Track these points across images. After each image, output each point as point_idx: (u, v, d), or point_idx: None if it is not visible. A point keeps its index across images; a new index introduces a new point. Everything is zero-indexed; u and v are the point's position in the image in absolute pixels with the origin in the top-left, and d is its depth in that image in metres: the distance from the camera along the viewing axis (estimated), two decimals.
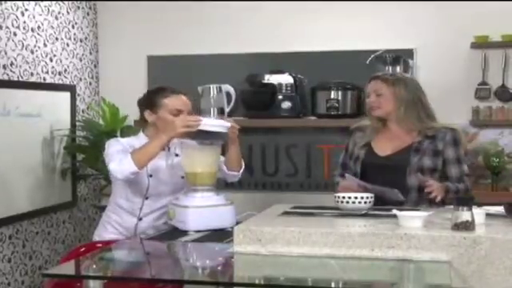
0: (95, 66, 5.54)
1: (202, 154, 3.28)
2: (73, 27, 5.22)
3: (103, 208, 5.26)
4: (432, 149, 3.41)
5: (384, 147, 3.47)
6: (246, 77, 5.07)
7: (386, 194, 3.24)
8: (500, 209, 2.87)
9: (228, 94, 5.19)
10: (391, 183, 3.26)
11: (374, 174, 3.38)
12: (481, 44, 4.88)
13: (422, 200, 3.34)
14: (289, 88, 4.98)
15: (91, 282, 2.42)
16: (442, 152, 3.42)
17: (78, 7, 5.29)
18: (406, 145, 3.44)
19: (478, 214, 2.64)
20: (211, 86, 5.17)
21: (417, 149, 3.41)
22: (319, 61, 5.07)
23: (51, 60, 4.94)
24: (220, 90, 5.17)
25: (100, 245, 3.84)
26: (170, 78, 5.33)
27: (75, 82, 5.24)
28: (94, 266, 2.63)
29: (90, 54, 5.47)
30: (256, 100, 5.04)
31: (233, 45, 5.26)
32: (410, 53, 4.98)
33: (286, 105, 4.98)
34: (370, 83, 3.52)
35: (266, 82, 5.01)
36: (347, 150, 3.61)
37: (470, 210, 2.54)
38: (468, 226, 2.52)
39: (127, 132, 5.01)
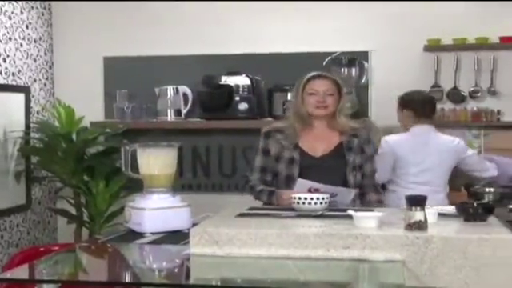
0: (50, 67, 5.47)
1: (159, 156, 3.26)
2: (27, 27, 5.15)
3: (58, 211, 5.23)
4: (359, 147, 3.49)
5: (314, 148, 3.47)
6: (203, 78, 5.07)
7: (339, 194, 3.27)
8: (452, 209, 2.93)
9: (185, 96, 5.18)
10: (331, 183, 3.27)
11: (311, 175, 3.33)
12: (433, 47, 4.98)
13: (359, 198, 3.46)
14: (246, 89, 4.99)
15: (45, 287, 2.39)
16: (364, 150, 3.51)
17: (32, 7, 5.22)
18: (336, 144, 3.48)
19: (431, 213, 2.69)
20: (168, 88, 5.16)
21: (349, 147, 3.47)
22: (276, 62, 5.10)
23: (4, 61, 4.86)
24: (177, 91, 5.17)
25: (42, 249, 3.82)
26: (126, 79, 5.31)
27: (29, 83, 5.17)
28: (49, 270, 2.60)
29: (45, 54, 5.40)
30: (213, 101, 5.04)
31: (190, 46, 5.25)
32: (365, 55, 5.05)
33: (243, 106, 4.99)
34: (317, 81, 3.48)
35: (222, 83, 5.02)
36: (268, 153, 3.53)
37: (423, 210, 2.59)
38: (421, 225, 2.57)
39: (83, 133, 4.98)
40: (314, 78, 3.50)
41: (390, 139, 4.25)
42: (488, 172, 4.41)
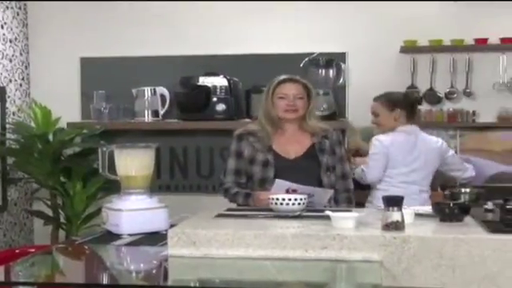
0: (26, 68, 5.43)
1: (137, 157, 3.25)
2: (2, 27, 5.10)
3: (35, 212, 5.19)
4: (330, 147, 3.52)
5: (286, 150, 3.49)
6: (180, 79, 5.06)
7: (316, 194, 3.28)
8: (428, 209, 2.95)
9: (162, 97, 5.17)
10: (306, 185, 3.28)
11: (286, 177, 3.32)
12: (409, 48, 5.02)
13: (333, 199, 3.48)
14: (223, 90, 4.99)
15: None
16: (335, 151, 3.54)
17: (7, 7, 5.17)
18: (308, 146, 3.50)
19: (408, 214, 2.71)
20: (145, 89, 5.14)
21: (321, 149, 3.50)
22: (254, 63, 5.11)
23: None
24: (154, 92, 5.15)
25: (18, 251, 3.78)
26: (104, 80, 5.29)
27: (5, 84, 5.13)
28: (25, 272, 2.58)
29: (21, 54, 5.36)
30: (190, 102, 5.04)
31: (167, 47, 5.25)
32: (342, 56, 5.08)
33: (221, 107, 4.99)
34: (286, 85, 3.50)
35: (200, 84, 5.02)
36: (241, 155, 3.53)
37: (400, 210, 2.61)
38: (398, 225, 2.58)
39: (60, 134, 4.95)
40: (283, 81, 3.52)
41: (383, 139, 4.23)
42: (467, 172, 4.44)
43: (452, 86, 5.06)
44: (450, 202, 3.10)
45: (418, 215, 2.84)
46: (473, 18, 4.99)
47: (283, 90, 3.49)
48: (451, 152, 4.43)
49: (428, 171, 4.29)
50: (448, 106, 5.06)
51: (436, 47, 5.01)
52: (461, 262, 2.50)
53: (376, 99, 4.40)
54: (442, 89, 5.08)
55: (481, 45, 4.97)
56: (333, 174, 3.50)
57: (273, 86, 3.52)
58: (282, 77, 3.54)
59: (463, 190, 3.40)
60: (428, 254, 2.51)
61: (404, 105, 4.30)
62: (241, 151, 3.54)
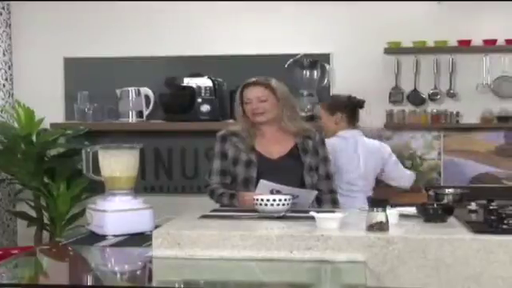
0: (9, 68, 5.39)
1: (121, 158, 3.24)
2: None
3: (18, 213, 5.15)
4: (312, 148, 3.52)
5: (270, 150, 3.48)
6: (165, 80, 5.05)
7: (300, 195, 3.29)
8: (413, 209, 2.96)
9: (147, 97, 5.16)
10: (289, 185, 3.28)
11: (269, 177, 3.32)
12: (393, 50, 5.04)
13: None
14: (208, 91, 4.99)
15: None
16: (318, 151, 3.53)
17: None
18: (291, 146, 3.50)
19: (392, 214, 2.72)
20: (130, 89, 5.13)
21: (304, 149, 3.49)
22: (238, 64, 5.11)
23: None
24: (138, 92, 5.14)
25: (1, 252, 3.76)
26: (87, 80, 5.26)
27: None
28: (8, 274, 2.57)
29: (4, 55, 5.32)
30: (175, 103, 5.03)
31: (151, 47, 5.23)
32: (326, 57, 5.09)
33: (205, 108, 4.99)
34: (248, 89, 3.48)
35: (184, 85, 5.01)
36: (225, 156, 3.52)
37: (384, 211, 2.62)
38: (382, 226, 2.60)
39: (43, 135, 4.92)
40: (246, 86, 3.51)
41: (332, 143, 4.02)
42: (402, 180, 4.29)
43: (435, 87, 5.09)
44: (433, 202, 3.13)
45: (403, 216, 2.85)
46: (456, 20, 5.02)
47: (247, 95, 3.48)
48: (393, 158, 4.25)
49: (371, 177, 4.17)
50: (432, 107, 5.09)
51: (420, 48, 5.04)
52: (445, 263, 2.51)
53: (320, 103, 4.33)
54: (425, 90, 5.10)
55: (464, 46, 5.00)
56: (316, 173, 3.51)
57: (239, 92, 3.52)
58: (247, 81, 3.53)
59: (447, 191, 3.42)
60: (412, 254, 2.53)
61: (345, 108, 4.18)
62: (225, 152, 3.53)
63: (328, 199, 3.54)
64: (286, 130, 3.51)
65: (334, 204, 3.55)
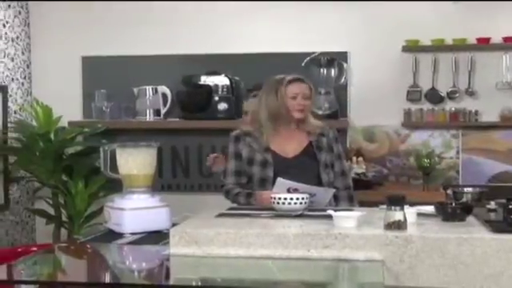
0: (28, 66, 5.43)
1: (138, 156, 3.25)
2: (4, 26, 5.10)
3: (37, 211, 5.19)
4: (327, 145, 3.51)
5: (285, 149, 3.48)
6: (182, 78, 5.07)
7: (318, 193, 3.27)
8: (431, 208, 2.94)
9: (164, 96, 5.17)
10: (305, 183, 3.26)
11: (286, 176, 3.31)
12: (411, 48, 5.01)
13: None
14: (225, 89, 4.99)
15: (23, 287, 2.38)
16: (332, 148, 3.53)
17: (9, 6, 5.17)
18: (306, 144, 3.49)
19: (410, 213, 2.70)
20: (147, 88, 5.14)
21: (318, 146, 3.48)
22: (255, 63, 5.10)
23: None
24: (156, 91, 5.15)
25: (20, 250, 3.79)
26: (105, 79, 5.29)
27: (7, 83, 5.13)
28: (27, 271, 2.58)
29: (23, 53, 5.36)
30: (192, 101, 5.04)
31: (168, 46, 5.24)
32: (344, 55, 5.07)
33: (222, 106, 4.99)
34: (295, 85, 3.46)
35: (201, 83, 5.02)
36: (239, 156, 3.51)
37: (402, 209, 2.60)
38: (400, 225, 2.58)
39: (61, 133, 4.94)
40: (294, 81, 3.49)
41: None
42: None
43: (454, 86, 5.05)
44: (452, 201, 3.10)
45: (421, 215, 2.83)
46: (475, 18, 4.98)
47: (294, 90, 3.46)
48: None
49: None
50: (450, 106, 5.06)
51: (438, 46, 5.00)
52: (463, 262, 2.49)
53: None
54: (444, 88, 5.07)
55: (483, 44, 4.96)
56: (332, 171, 3.50)
57: (284, 85, 3.49)
58: (292, 76, 3.51)
59: (466, 190, 3.39)
60: (430, 253, 2.51)
61: None
62: (239, 152, 3.52)
63: (345, 196, 3.52)
64: (301, 128, 3.50)
65: (351, 201, 3.53)
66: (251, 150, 3.49)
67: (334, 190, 3.40)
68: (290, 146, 3.48)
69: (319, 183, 3.41)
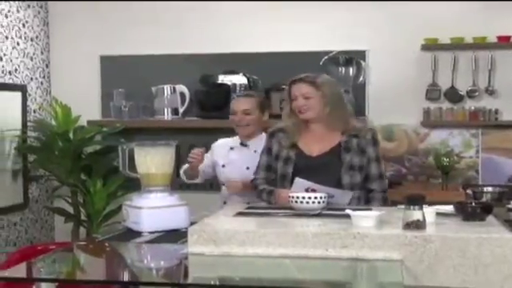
0: (47, 66, 5.46)
1: (156, 155, 3.26)
2: (23, 26, 5.14)
3: (56, 210, 5.22)
4: (359, 147, 3.45)
5: (312, 148, 3.46)
6: (200, 77, 5.07)
7: (336, 195, 3.25)
8: (450, 208, 2.92)
9: (182, 95, 5.18)
10: (325, 183, 3.26)
11: (306, 174, 3.31)
12: (431, 46, 4.98)
13: (353, 198, 3.39)
14: (243, 88, 4.99)
15: (43, 285, 2.39)
16: (366, 150, 3.47)
17: (29, 6, 5.21)
18: (334, 144, 3.44)
19: (429, 213, 2.69)
20: (165, 87, 5.15)
21: (346, 147, 3.44)
22: (273, 62, 5.09)
23: (1, 59, 4.86)
24: (174, 90, 5.16)
25: (40, 248, 3.80)
26: (123, 78, 5.30)
27: (26, 82, 5.16)
28: (46, 269, 2.60)
29: (42, 53, 5.39)
30: (210, 100, 5.04)
31: (187, 45, 5.25)
32: (362, 54, 5.05)
33: None
34: (295, 86, 3.46)
35: (219, 82, 5.02)
36: (270, 152, 3.55)
37: (421, 209, 2.59)
38: (419, 224, 2.57)
39: (80, 132, 4.97)
40: (292, 83, 3.49)
41: None
42: None
43: (474, 84, 5.01)
44: (472, 201, 3.08)
45: (440, 214, 2.81)
46: (495, 16, 4.93)
47: (292, 92, 3.47)
48: None
49: None
50: (470, 105, 5.01)
51: (458, 45, 4.96)
52: (483, 262, 2.48)
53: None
54: (463, 87, 5.03)
55: (503, 42, 4.91)
56: (358, 173, 3.43)
57: (287, 88, 3.51)
58: (293, 78, 3.51)
59: (486, 189, 3.37)
60: (450, 253, 2.49)
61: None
62: (270, 148, 3.56)
63: (379, 198, 3.44)
64: (334, 128, 3.47)
65: (385, 203, 3.48)
66: (280, 146, 3.51)
67: (352, 193, 3.36)
68: (317, 144, 3.46)
69: (338, 185, 3.38)
